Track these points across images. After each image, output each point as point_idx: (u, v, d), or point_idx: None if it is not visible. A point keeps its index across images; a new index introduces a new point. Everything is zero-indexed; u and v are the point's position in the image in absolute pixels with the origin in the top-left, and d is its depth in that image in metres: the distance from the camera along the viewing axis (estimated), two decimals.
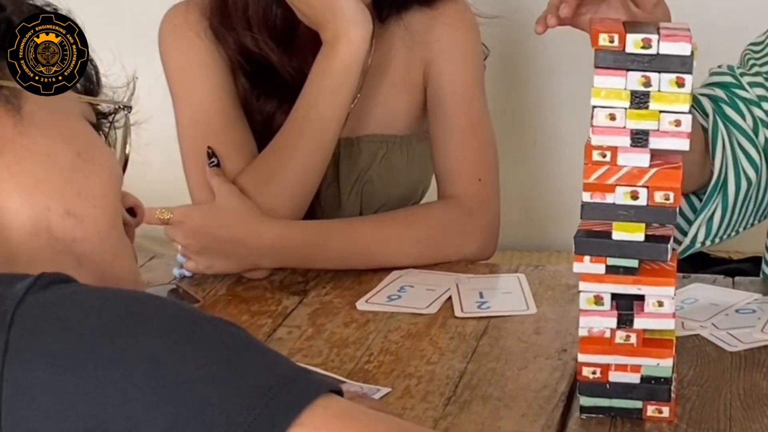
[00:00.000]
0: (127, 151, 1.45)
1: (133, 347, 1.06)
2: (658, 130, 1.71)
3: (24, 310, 1.08)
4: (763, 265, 2.51)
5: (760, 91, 2.42)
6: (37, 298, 1.09)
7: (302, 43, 2.46)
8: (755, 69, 2.45)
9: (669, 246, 1.75)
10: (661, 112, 1.71)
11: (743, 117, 2.39)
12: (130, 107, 1.44)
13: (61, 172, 1.30)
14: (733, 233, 2.36)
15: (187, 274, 2.37)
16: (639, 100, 1.71)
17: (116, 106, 1.44)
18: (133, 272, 1.39)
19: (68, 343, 1.06)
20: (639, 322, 1.77)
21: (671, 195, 1.73)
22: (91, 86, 1.42)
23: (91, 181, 1.32)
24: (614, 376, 1.80)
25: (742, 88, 2.43)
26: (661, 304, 1.76)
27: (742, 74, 2.44)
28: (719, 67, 2.49)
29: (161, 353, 1.06)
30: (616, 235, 1.74)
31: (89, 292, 1.14)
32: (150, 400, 1.04)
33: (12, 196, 1.28)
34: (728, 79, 2.41)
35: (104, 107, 1.44)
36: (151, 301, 1.13)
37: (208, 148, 2.40)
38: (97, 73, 1.43)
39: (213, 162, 2.40)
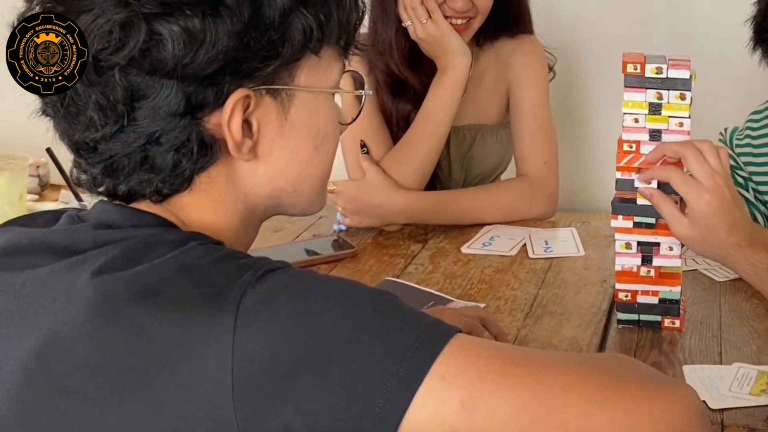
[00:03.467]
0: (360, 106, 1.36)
1: (322, 319, 1.02)
2: (667, 129, 1.70)
3: (247, 299, 1.02)
4: None
5: (751, 168, 2.27)
6: (256, 289, 1.03)
7: (426, 68, 2.44)
8: (746, 140, 2.29)
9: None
10: (669, 117, 1.70)
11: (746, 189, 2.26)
12: (369, 93, 1.33)
13: (299, 165, 1.20)
14: None
15: (344, 228, 2.34)
16: (654, 108, 1.69)
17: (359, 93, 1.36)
18: (318, 209, 1.28)
19: (276, 322, 1.02)
20: (656, 261, 1.76)
21: None
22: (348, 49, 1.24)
23: (318, 169, 1.23)
24: (640, 299, 1.79)
25: (740, 168, 2.27)
26: (671, 248, 1.75)
27: (739, 155, 2.27)
28: (723, 132, 2.34)
29: (341, 321, 1.02)
30: (640, 201, 1.73)
31: (290, 279, 1.06)
32: (331, 352, 1.01)
33: (260, 176, 1.18)
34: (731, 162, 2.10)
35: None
36: (332, 283, 1.07)
37: (361, 141, 2.39)
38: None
39: (364, 150, 2.39)
